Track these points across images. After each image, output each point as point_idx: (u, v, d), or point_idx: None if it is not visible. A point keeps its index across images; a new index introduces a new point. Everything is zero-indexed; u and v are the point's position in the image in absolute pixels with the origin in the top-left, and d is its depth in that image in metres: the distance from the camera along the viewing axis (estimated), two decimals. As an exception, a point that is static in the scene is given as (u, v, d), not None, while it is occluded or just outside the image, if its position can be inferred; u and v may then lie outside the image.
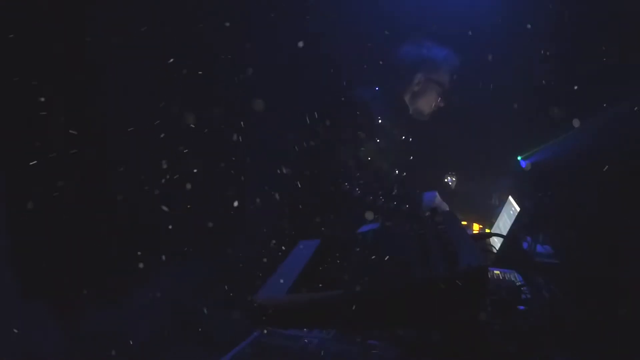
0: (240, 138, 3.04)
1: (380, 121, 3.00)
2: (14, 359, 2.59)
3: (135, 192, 2.94)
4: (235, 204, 3.04)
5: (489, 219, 3.28)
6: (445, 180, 3.43)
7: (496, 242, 2.71)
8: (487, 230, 3.11)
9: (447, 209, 2.95)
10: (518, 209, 2.68)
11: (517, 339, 1.49)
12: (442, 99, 3.12)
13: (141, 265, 2.82)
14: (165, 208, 2.81)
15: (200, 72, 3.03)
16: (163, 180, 2.92)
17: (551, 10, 3.18)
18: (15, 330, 2.57)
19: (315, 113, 2.91)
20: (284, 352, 1.57)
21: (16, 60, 2.58)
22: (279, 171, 2.97)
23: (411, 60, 3.09)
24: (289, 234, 2.88)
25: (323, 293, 1.30)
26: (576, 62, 3.14)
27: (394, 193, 2.92)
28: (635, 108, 2.82)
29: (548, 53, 3.25)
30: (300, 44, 2.94)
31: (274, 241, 2.68)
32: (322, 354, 1.55)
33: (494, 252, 2.51)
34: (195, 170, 2.91)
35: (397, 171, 3.13)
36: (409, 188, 3.04)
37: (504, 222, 2.90)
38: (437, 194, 3.00)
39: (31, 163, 2.62)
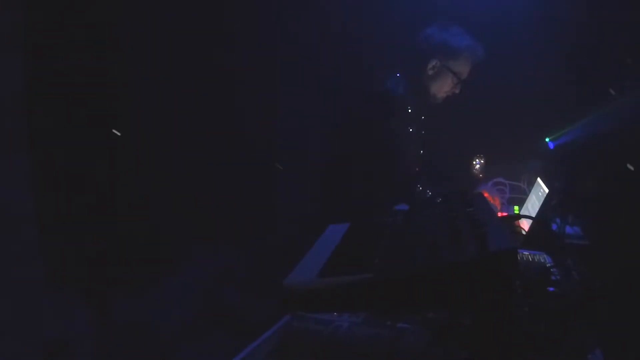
0: (267, 125, 3.05)
1: (409, 110, 2.98)
2: (45, 349, 2.64)
3: (165, 180, 2.97)
4: (265, 189, 3.06)
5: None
6: (474, 162, 3.42)
7: (525, 224, 2.70)
8: (516, 211, 3.10)
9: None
10: (547, 190, 2.67)
11: (547, 320, 1.49)
12: (456, 87, 3.06)
13: (172, 252, 2.86)
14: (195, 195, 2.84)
15: (224, 63, 3.04)
16: (192, 168, 2.95)
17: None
18: (46, 320, 2.62)
19: (343, 100, 2.91)
20: (314, 336, 1.59)
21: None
22: (308, 156, 2.98)
23: (430, 44, 3.02)
24: (318, 218, 2.91)
25: (353, 277, 1.31)
26: (606, 43, 3.09)
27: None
28: None
29: (578, 34, 3.20)
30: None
31: (303, 225, 2.69)
32: (352, 337, 1.57)
33: (523, 234, 2.50)
34: (225, 156, 2.93)
35: (421, 152, 3.12)
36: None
37: (533, 203, 2.88)
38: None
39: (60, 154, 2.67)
